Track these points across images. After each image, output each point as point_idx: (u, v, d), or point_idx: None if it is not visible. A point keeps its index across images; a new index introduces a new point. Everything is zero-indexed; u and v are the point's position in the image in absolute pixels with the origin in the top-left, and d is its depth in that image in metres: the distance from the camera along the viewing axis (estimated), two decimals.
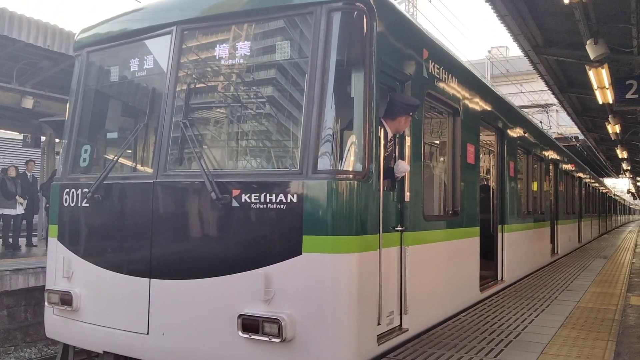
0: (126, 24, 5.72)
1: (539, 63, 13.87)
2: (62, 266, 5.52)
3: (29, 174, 14.73)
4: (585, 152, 31.26)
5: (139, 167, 5.70)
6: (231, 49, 4.96)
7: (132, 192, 5.22)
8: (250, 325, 4.32)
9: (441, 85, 6.28)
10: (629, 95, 12.05)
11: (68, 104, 6.12)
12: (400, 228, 5.24)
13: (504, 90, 25.82)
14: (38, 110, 14.54)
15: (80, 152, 5.90)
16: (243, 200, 4.52)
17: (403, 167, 5.13)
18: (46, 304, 5.61)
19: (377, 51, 4.68)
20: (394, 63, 5.16)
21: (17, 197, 13.67)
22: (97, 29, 5.98)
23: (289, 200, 4.35)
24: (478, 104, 7.68)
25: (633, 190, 64.83)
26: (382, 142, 4.92)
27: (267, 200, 4.43)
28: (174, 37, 5.17)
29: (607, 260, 15.03)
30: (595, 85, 11.98)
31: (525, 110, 23.94)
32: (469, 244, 7.28)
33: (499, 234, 8.94)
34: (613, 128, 17.13)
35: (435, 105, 6.56)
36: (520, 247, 10.33)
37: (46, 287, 5.73)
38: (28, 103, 13.91)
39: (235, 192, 4.55)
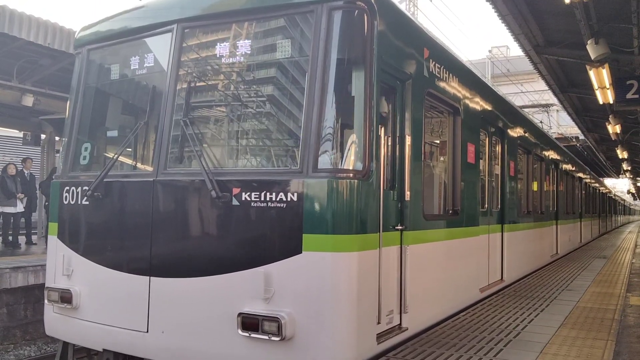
0: (127, 22, 5.72)
1: (540, 63, 13.85)
2: (62, 264, 5.52)
3: (26, 172, 14.71)
4: (585, 152, 31.25)
5: (139, 165, 5.69)
6: (232, 48, 4.96)
7: (132, 190, 5.21)
8: (250, 323, 4.32)
9: (442, 84, 6.28)
10: (629, 96, 12.02)
11: (68, 102, 6.12)
12: (400, 227, 5.25)
13: (504, 90, 25.80)
14: (38, 108, 14.51)
15: (81, 150, 5.90)
16: (243, 198, 4.51)
17: None
18: (46, 301, 5.61)
19: (377, 50, 4.68)
20: (394, 62, 5.15)
21: (18, 194, 13.65)
22: (97, 27, 5.98)
23: (289, 199, 4.35)
24: (478, 104, 7.68)
25: (633, 190, 64.79)
26: (382, 141, 4.91)
27: (267, 199, 4.43)
28: (174, 35, 5.16)
29: (607, 260, 15.02)
30: (595, 85, 11.96)
31: (526, 110, 23.91)
32: (470, 243, 7.28)
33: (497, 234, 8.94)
34: (613, 128, 17.11)
35: (435, 105, 6.55)
36: (520, 247, 10.32)
37: (46, 285, 5.73)
38: (28, 101, 13.87)
39: (236, 191, 4.55)
